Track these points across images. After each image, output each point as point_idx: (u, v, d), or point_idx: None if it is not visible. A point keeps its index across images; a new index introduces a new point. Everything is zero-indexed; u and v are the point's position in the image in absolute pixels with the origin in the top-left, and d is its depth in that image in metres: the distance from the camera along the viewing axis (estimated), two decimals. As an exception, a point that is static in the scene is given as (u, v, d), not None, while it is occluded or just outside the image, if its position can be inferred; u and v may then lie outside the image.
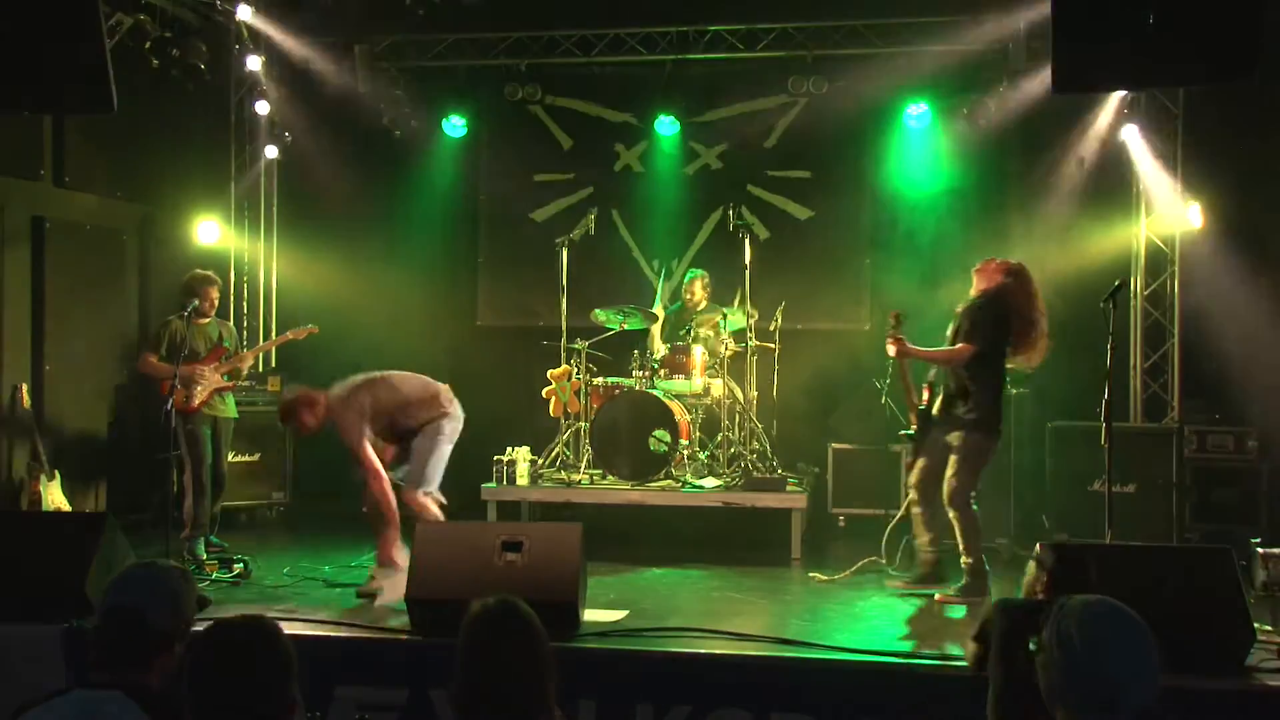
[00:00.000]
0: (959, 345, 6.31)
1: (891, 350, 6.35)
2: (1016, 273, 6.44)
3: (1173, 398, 8.67)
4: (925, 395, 6.53)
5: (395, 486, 6.60)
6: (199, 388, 7.54)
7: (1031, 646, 2.56)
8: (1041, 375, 8.83)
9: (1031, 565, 4.20)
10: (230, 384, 7.83)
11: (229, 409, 7.92)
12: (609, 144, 10.22)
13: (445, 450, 6.68)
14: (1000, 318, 6.35)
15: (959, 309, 6.52)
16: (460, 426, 6.82)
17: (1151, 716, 2.39)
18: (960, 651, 5.15)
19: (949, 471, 6.30)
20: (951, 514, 6.30)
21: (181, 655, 2.92)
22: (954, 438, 6.34)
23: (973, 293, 6.51)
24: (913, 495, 6.59)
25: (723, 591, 6.74)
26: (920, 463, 6.53)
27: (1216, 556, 5.17)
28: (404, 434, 6.69)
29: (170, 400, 7.04)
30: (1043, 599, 4.07)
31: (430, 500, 6.58)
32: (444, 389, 6.84)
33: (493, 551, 5.48)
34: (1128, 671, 2.39)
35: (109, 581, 3.08)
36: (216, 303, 7.83)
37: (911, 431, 6.61)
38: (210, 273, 7.90)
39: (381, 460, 6.62)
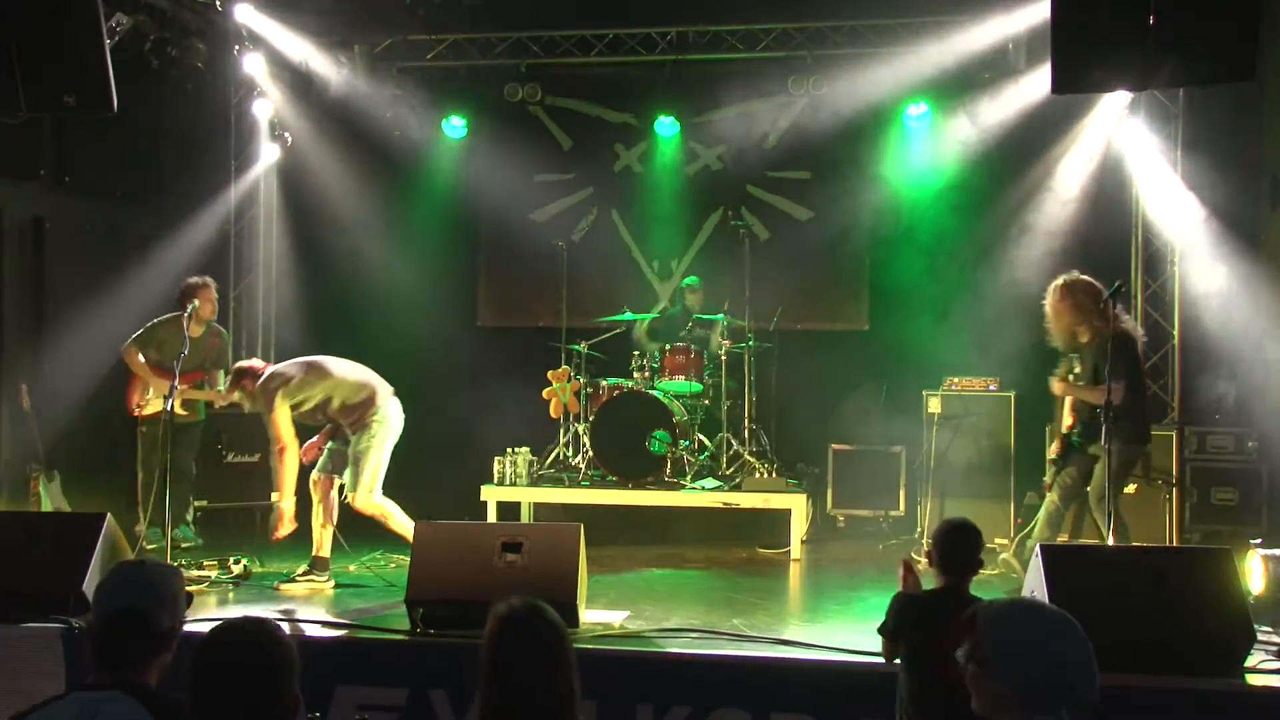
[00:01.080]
0: (1115, 385, 6.22)
1: (1059, 390, 6.54)
2: (1088, 293, 6.53)
3: (1173, 398, 8.67)
4: (1070, 421, 6.67)
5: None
6: (158, 399, 7.65)
7: (959, 658, 2.56)
8: (1041, 376, 8.86)
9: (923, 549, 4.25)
10: (185, 413, 7.78)
11: (197, 411, 8.06)
12: (609, 144, 10.22)
13: (382, 453, 6.73)
14: (1130, 348, 6.49)
15: (1084, 347, 6.59)
16: (398, 428, 6.81)
17: (1095, 710, 2.40)
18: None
19: (1100, 478, 6.38)
20: (1100, 515, 6.38)
21: (179, 654, 2.93)
22: (1111, 449, 6.38)
23: (1083, 337, 6.55)
24: (1053, 497, 6.67)
25: (722, 592, 6.74)
26: (1069, 473, 6.64)
27: (1216, 557, 5.17)
28: (331, 421, 6.78)
29: (170, 400, 7.04)
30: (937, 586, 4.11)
31: (377, 503, 6.71)
32: (382, 388, 6.82)
33: (493, 552, 5.48)
34: (1075, 668, 2.40)
35: (103, 581, 3.08)
36: (214, 311, 7.92)
37: (1056, 457, 6.76)
38: (206, 278, 7.94)
39: (308, 455, 6.86)
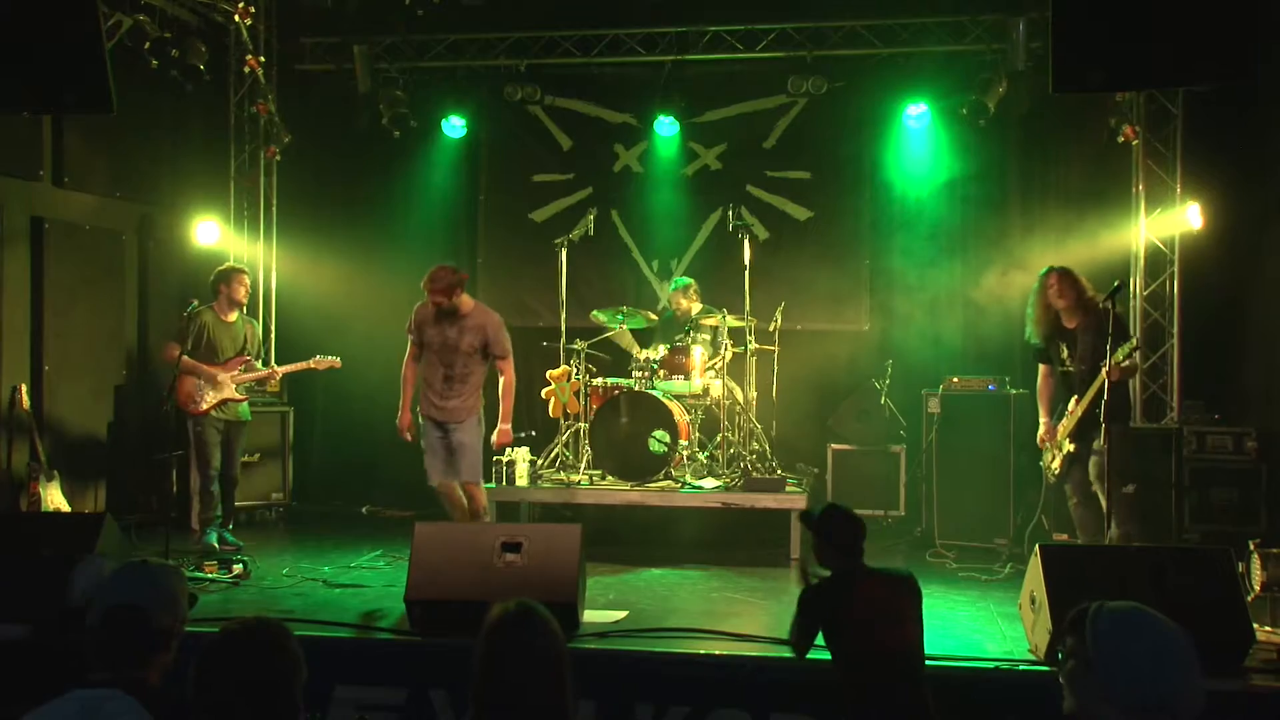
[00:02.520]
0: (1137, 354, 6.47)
1: (1117, 375, 6.30)
2: (1071, 282, 6.73)
3: (1172, 398, 8.66)
4: (1078, 410, 6.65)
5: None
6: (210, 393, 7.64)
7: (1059, 656, 2.56)
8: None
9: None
10: (243, 397, 7.89)
11: (242, 412, 7.96)
12: (608, 144, 10.20)
13: None
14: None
15: (1075, 330, 6.74)
16: None
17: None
18: (958, 650, 5.17)
19: (1115, 457, 6.37)
20: (1110, 492, 6.38)
21: (179, 653, 2.93)
22: (1114, 430, 6.39)
23: (1071, 322, 6.73)
24: (1076, 500, 6.83)
25: (722, 592, 6.74)
26: (1079, 472, 6.74)
27: (1215, 557, 5.17)
28: (458, 379, 7.03)
29: (171, 397, 7.07)
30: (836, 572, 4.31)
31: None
32: None
33: (492, 552, 5.49)
34: (1182, 686, 2.38)
35: (104, 580, 3.08)
36: (248, 294, 7.96)
37: (1073, 449, 6.73)
38: (237, 264, 8.09)
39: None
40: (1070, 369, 6.77)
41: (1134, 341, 6.25)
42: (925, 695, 4.02)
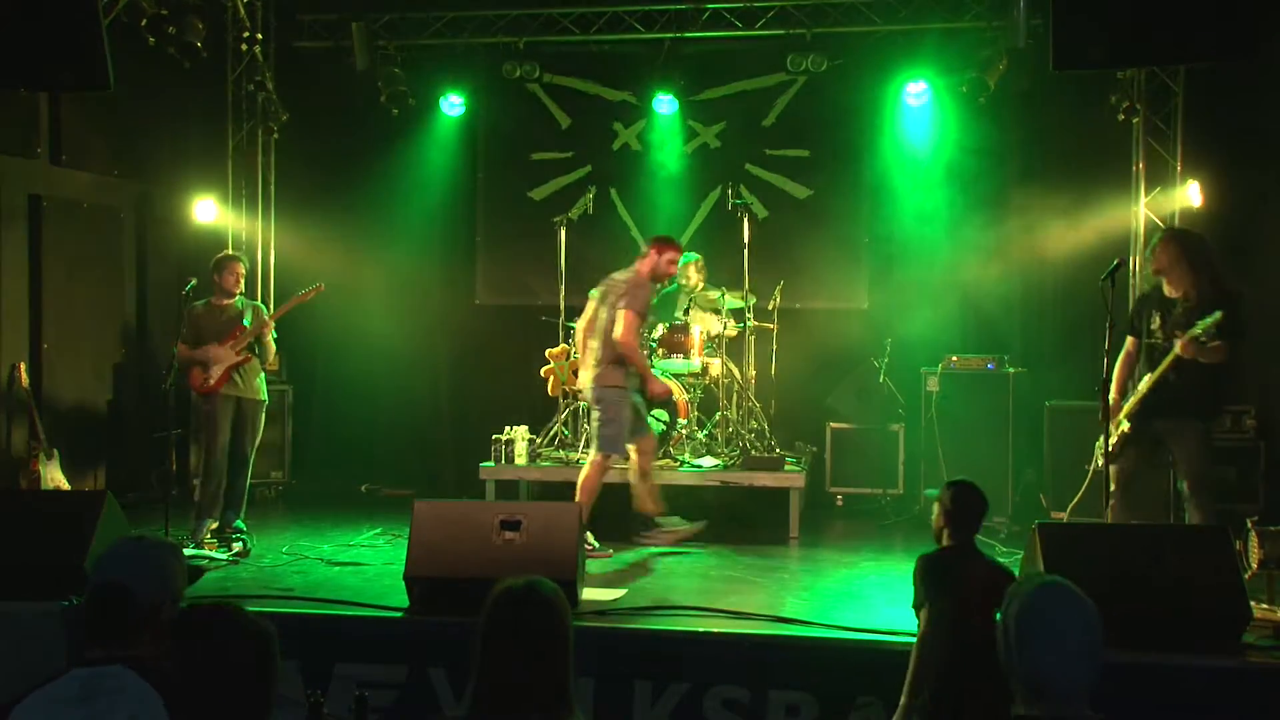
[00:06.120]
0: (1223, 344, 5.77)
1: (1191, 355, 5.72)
2: (1174, 245, 5.99)
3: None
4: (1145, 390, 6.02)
5: None
6: (216, 367, 7.31)
7: (996, 618, 2.62)
8: (1039, 355, 8.87)
9: (935, 506, 4.40)
10: (245, 357, 7.36)
11: (258, 391, 7.51)
12: (607, 122, 10.18)
13: None
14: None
15: (1189, 305, 5.89)
16: None
17: (1081, 708, 2.43)
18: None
19: (1196, 467, 5.97)
20: (1201, 507, 5.97)
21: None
22: (1189, 428, 5.99)
23: (1183, 289, 5.92)
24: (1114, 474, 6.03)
25: (720, 570, 6.76)
26: (1131, 456, 6.15)
27: (1213, 535, 5.19)
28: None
29: (172, 377, 7.03)
30: (950, 544, 4.34)
31: None
32: None
33: (491, 530, 5.50)
34: (1056, 663, 2.43)
35: (99, 556, 3.08)
36: (241, 279, 7.52)
37: (1129, 430, 6.09)
38: (234, 252, 7.76)
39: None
40: (1155, 341, 5.97)
41: (1218, 315, 5.53)
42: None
